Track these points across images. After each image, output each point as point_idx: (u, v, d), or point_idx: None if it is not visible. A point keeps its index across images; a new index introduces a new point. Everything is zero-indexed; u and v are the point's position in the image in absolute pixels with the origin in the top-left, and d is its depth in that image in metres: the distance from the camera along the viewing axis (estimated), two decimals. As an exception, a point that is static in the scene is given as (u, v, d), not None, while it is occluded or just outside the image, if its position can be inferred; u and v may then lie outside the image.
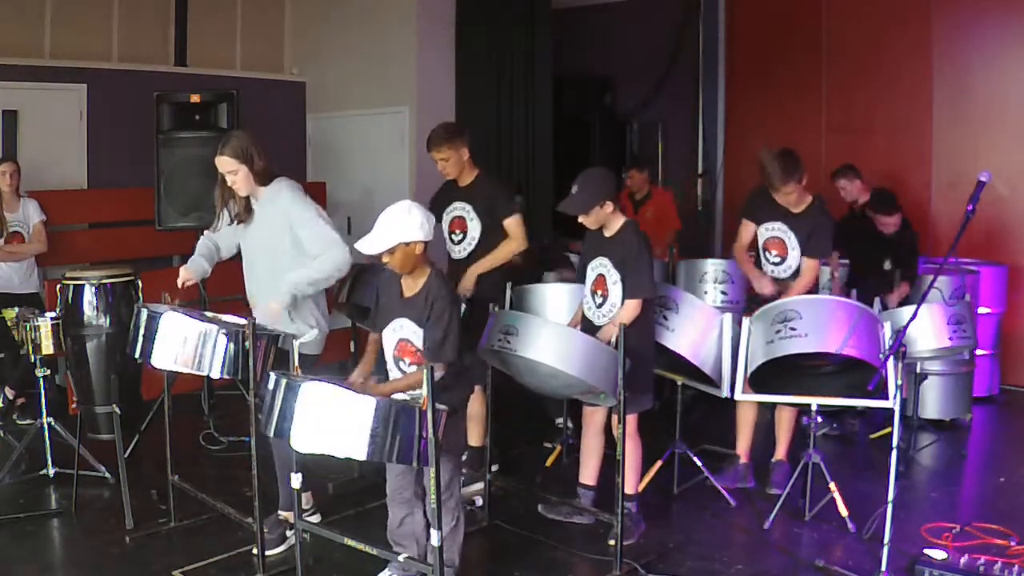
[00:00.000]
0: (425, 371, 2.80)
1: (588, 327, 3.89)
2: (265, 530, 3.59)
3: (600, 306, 3.88)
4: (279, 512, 3.89)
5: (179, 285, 3.83)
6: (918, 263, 5.60)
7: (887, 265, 5.41)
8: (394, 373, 3.29)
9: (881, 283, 5.30)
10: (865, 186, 5.95)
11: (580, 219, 3.83)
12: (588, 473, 4.13)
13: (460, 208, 4.52)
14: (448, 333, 3.11)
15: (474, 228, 4.49)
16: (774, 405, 4.55)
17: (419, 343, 3.19)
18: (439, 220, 4.55)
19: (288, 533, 3.81)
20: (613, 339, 3.57)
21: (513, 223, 4.46)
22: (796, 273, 4.39)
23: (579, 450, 4.23)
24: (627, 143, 8.47)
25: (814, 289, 4.45)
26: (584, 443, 4.15)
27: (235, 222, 3.86)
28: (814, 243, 4.34)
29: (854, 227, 5.65)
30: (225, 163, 3.69)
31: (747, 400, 4.29)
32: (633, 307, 3.73)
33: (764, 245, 4.46)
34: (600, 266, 3.89)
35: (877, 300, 4.59)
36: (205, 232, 4.03)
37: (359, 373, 3.31)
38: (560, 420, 5.26)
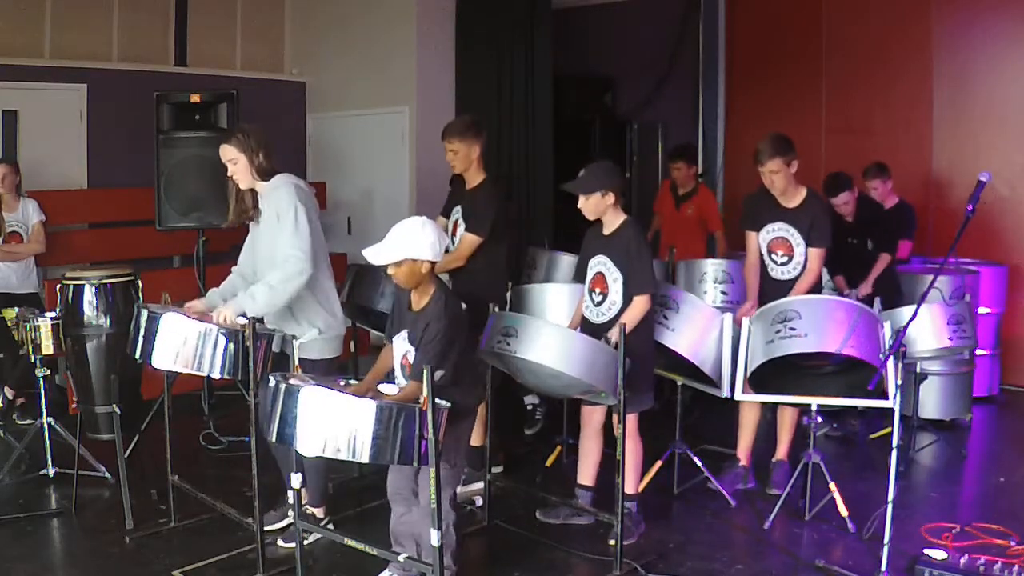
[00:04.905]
0: (425, 371, 2.80)
1: (587, 326, 3.89)
2: (273, 512, 3.60)
3: (599, 304, 3.88)
4: (306, 507, 3.86)
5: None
6: (890, 232, 5.49)
7: (870, 245, 5.35)
8: (400, 380, 3.30)
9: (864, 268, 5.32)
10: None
11: (580, 204, 3.82)
12: (586, 473, 4.13)
13: (456, 212, 4.50)
14: (434, 358, 3.02)
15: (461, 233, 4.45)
16: (776, 405, 4.55)
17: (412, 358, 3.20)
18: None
19: (290, 513, 3.76)
20: (614, 339, 3.57)
21: (467, 240, 4.32)
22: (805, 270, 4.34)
23: (579, 450, 4.22)
24: (627, 143, 8.47)
25: (816, 288, 4.43)
26: (582, 444, 4.15)
27: (246, 221, 3.84)
28: (816, 234, 4.29)
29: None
30: (225, 151, 3.69)
31: (749, 401, 4.29)
32: (641, 304, 3.74)
33: (768, 248, 4.39)
34: (599, 264, 3.89)
35: (877, 300, 4.57)
36: (234, 268, 3.91)
37: (367, 382, 3.26)
38: (532, 401, 5.31)
